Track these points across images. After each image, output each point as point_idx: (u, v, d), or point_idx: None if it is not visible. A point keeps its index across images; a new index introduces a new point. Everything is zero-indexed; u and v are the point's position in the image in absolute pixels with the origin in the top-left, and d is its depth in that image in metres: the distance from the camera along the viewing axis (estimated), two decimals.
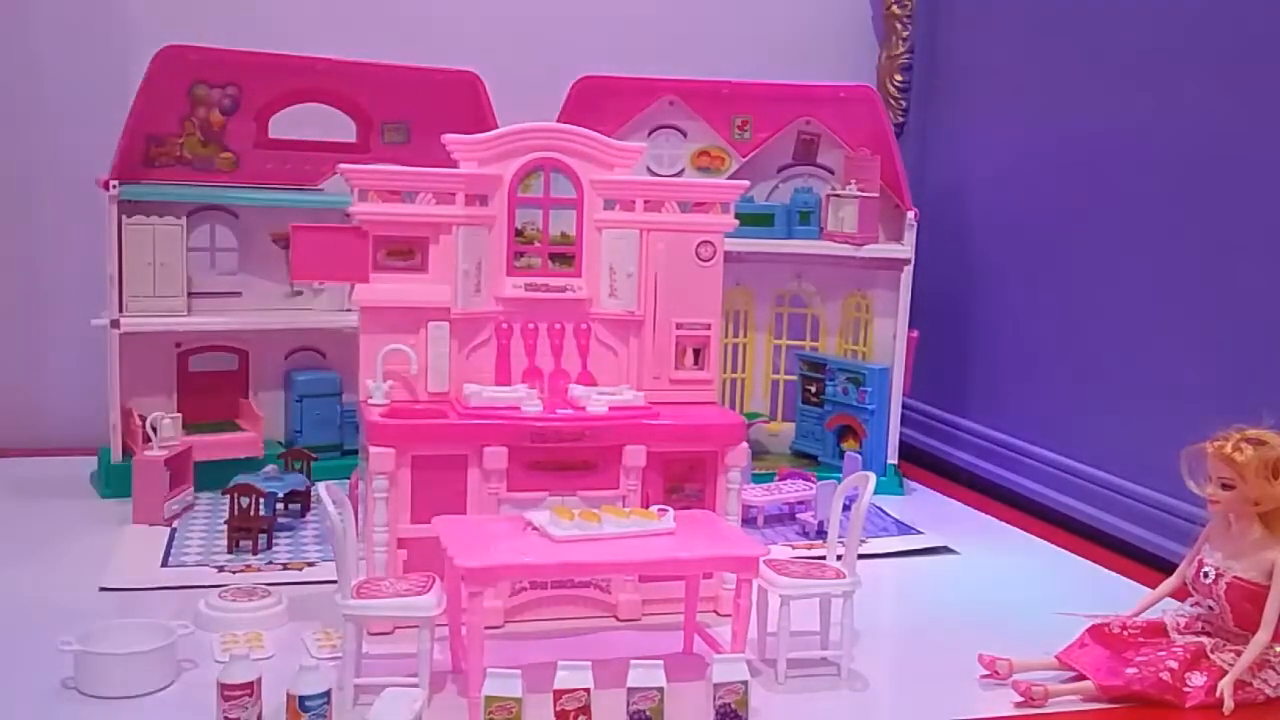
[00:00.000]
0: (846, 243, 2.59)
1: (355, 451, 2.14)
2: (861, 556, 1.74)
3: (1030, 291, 2.60)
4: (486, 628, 1.54)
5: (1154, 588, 1.73)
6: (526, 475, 1.77)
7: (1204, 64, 2.12)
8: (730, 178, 2.61)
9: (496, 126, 2.26)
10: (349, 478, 2.02)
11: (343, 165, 1.85)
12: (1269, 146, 1.98)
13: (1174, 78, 2.18)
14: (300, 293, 2.58)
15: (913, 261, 2.57)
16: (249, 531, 2.05)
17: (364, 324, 1.82)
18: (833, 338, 2.76)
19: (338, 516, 1.51)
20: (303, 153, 2.55)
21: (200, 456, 2.33)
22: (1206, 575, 1.60)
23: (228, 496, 2.07)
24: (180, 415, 2.35)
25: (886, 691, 1.64)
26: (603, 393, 1.84)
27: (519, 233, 1.89)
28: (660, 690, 1.42)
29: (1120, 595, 1.88)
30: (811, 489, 2.35)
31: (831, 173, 2.75)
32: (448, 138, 1.86)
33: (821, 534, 2.20)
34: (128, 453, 2.34)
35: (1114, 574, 2.11)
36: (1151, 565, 2.08)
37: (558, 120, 2.28)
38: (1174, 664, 1.55)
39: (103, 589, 1.85)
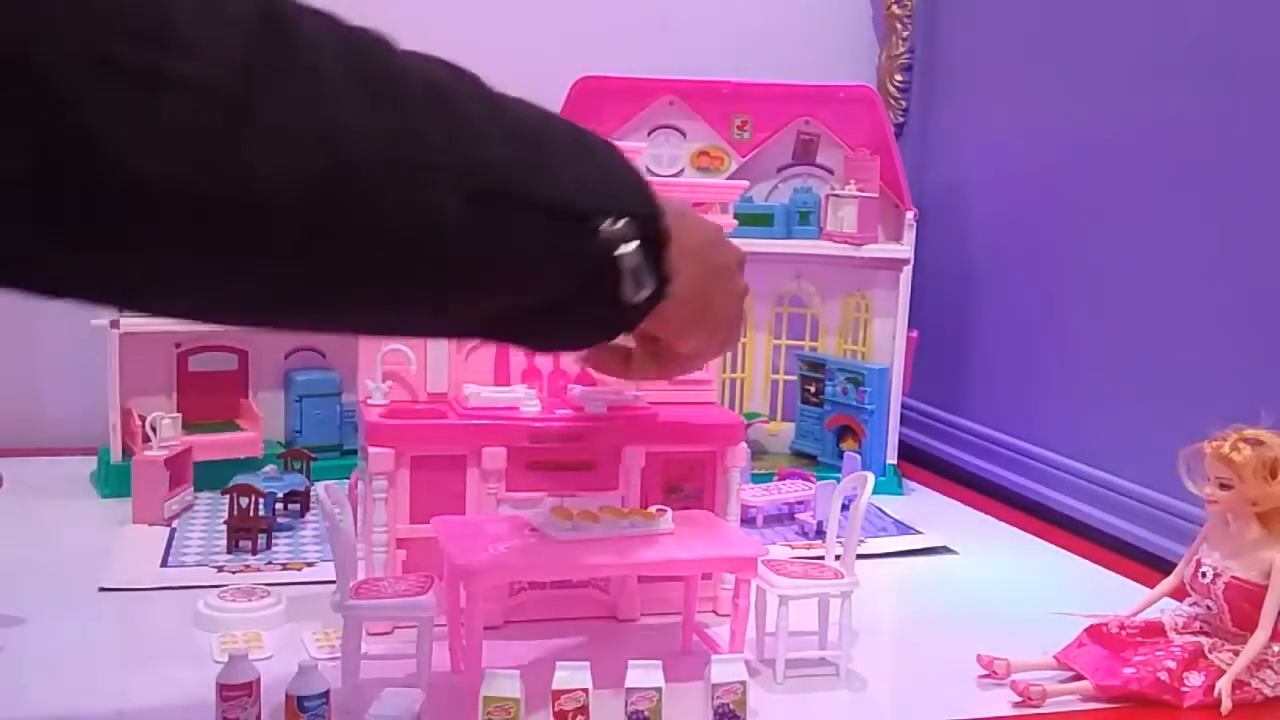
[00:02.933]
0: (846, 243, 2.59)
1: (355, 451, 2.14)
2: (860, 556, 1.74)
3: (1031, 291, 2.60)
4: (485, 628, 1.54)
5: (1153, 588, 1.72)
6: (525, 475, 1.77)
7: (1208, 61, 2.11)
8: (730, 178, 2.61)
9: None
10: (348, 478, 2.01)
11: None
12: (1272, 146, 1.98)
13: (1177, 75, 2.18)
14: None
15: (912, 261, 2.57)
16: (248, 531, 2.04)
17: None
18: (832, 338, 2.76)
19: (337, 517, 1.51)
20: None
21: (200, 456, 2.33)
22: (1204, 575, 1.60)
23: (227, 496, 2.07)
24: (180, 415, 2.35)
25: (885, 691, 1.63)
26: (601, 393, 1.84)
27: None
28: (659, 690, 1.41)
29: (1119, 595, 1.87)
30: (811, 489, 2.34)
31: (831, 173, 2.75)
32: None
33: (820, 534, 2.20)
34: (127, 453, 2.34)
35: (1114, 574, 2.10)
36: (1151, 565, 2.07)
37: None
38: (1172, 664, 1.55)
39: (102, 589, 1.85)
